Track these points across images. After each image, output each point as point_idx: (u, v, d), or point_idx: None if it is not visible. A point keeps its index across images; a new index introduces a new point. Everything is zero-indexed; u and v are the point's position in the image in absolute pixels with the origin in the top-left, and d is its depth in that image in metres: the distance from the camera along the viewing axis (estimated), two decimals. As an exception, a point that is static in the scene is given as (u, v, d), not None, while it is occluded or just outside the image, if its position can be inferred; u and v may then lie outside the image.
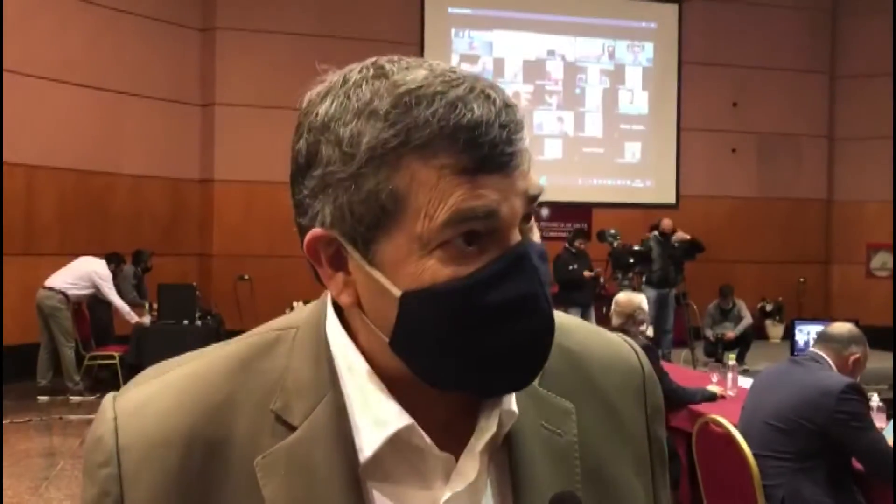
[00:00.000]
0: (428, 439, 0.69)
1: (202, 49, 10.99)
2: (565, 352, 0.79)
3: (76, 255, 8.51)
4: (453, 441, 0.71)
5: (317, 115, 0.68)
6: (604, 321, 8.90)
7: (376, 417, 0.69)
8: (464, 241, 0.64)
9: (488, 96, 0.65)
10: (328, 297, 0.74)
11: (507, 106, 0.66)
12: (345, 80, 0.67)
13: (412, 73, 0.66)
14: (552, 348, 0.73)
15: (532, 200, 0.68)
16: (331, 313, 0.74)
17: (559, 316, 0.83)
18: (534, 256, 0.67)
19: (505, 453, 0.73)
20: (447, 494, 0.70)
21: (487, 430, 0.70)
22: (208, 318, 8.68)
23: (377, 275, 0.67)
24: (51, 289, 7.98)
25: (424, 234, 0.64)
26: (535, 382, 0.75)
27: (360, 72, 0.67)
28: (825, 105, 12.79)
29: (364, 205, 0.65)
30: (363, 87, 0.66)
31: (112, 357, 8.31)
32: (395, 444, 0.69)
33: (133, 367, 7.61)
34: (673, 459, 4.39)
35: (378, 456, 0.69)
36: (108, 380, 8.33)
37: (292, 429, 0.70)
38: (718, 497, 3.49)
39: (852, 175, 12.58)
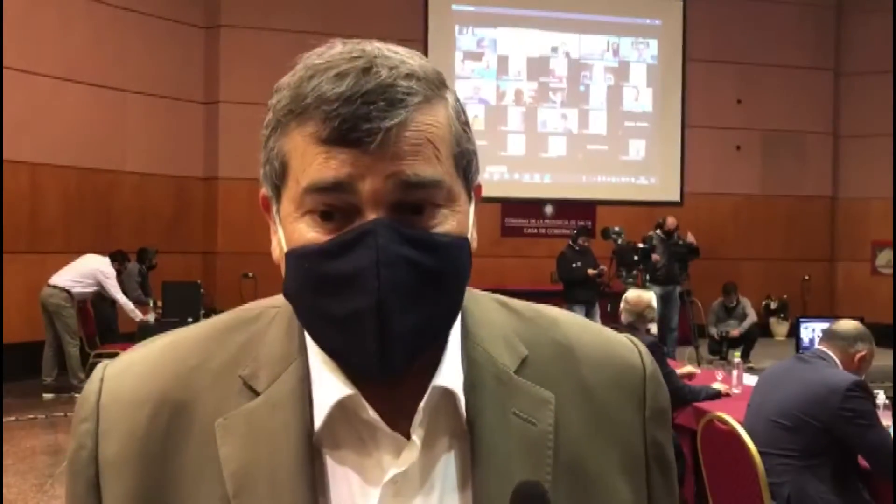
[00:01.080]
0: (372, 412, 0.70)
1: (206, 47, 10.99)
2: (555, 345, 0.78)
3: (81, 252, 8.52)
4: (409, 421, 0.71)
5: (277, 85, 0.73)
6: (608, 318, 8.91)
7: (325, 387, 0.71)
8: (320, 216, 0.68)
9: (375, 73, 0.66)
10: None
11: (391, 85, 0.66)
12: (304, 57, 0.72)
13: (332, 51, 0.70)
14: (542, 341, 0.76)
15: (412, 187, 0.67)
16: None
17: (558, 313, 0.83)
18: (385, 236, 0.66)
19: (467, 439, 0.72)
20: (394, 471, 0.70)
21: (420, 407, 0.70)
22: (212, 315, 8.67)
23: (279, 230, 0.72)
24: (55, 286, 7.99)
25: (295, 197, 0.69)
26: (512, 370, 0.75)
27: (317, 50, 0.72)
28: (830, 102, 12.76)
29: (269, 164, 0.71)
30: (299, 63, 0.71)
31: (116, 355, 8.30)
32: (346, 415, 0.71)
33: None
34: (678, 457, 4.38)
35: (330, 426, 0.71)
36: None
37: (256, 394, 0.72)
38: (724, 495, 3.48)
39: (857, 172, 12.54)
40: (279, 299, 0.77)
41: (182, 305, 8.30)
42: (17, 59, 8.85)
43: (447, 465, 0.72)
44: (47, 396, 7.95)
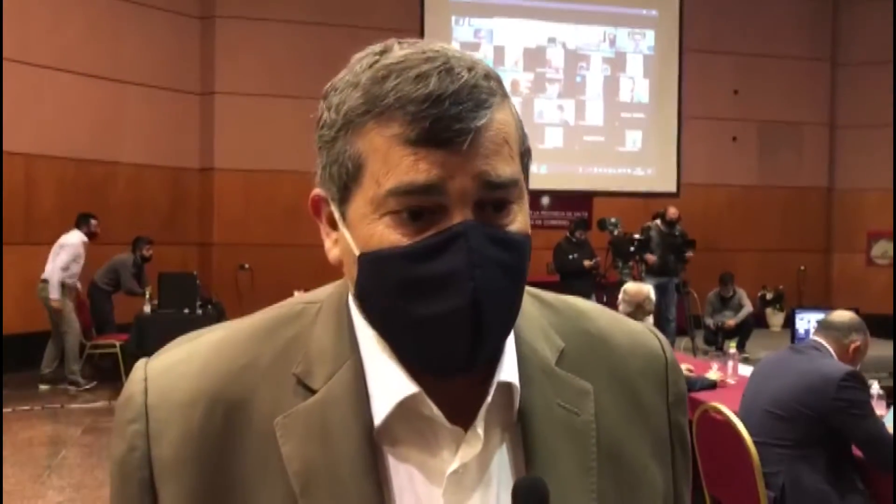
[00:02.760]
0: (435, 409, 0.71)
1: (202, 38, 10.94)
2: (587, 335, 0.81)
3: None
4: (465, 415, 0.72)
5: (332, 83, 0.73)
6: (604, 309, 8.92)
7: (386, 385, 0.72)
8: (409, 216, 0.67)
9: (457, 73, 0.67)
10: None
11: (476, 87, 0.67)
12: (360, 58, 0.72)
13: (405, 50, 0.69)
14: (575, 332, 0.77)
15: (495, 187, 0.68)
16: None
17: (584, 304, 0.87)
18: (475, 237, 0.67)
19: (520, 430, 0.75)
20: (455, 465, 0.71)
21: (487, 402, 0.72)
22: (209, 306, 8.68)
23: (346, 233, 0.72)
24: (44, 280, 7.96)
25: (374, 199, 0.68)
26: (553, 362, 0.77)
27: (374, 50, 0.72)
28: (826, 93, 12.76)
29: (336, 165, 0.70)
30: (363, 62, 0.70)
31: (113, 346, 8.32)
32: (406, 412, 0.71)
33: (134, 356, 7.59)
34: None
35: (389, 423, 0.72)
36: (109, 369, 8.34)
37: (312, 392, 0.73)
38: (719, 484, 3.50)
39: (853, 163, 12.55)
40: (317, 294, 0.80)
41: (178, 296, 8.30)
42: (11, 49, 8.80)
43: (501, 457, 0.74)
44: (43, 388, 7.95)
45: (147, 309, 8.31)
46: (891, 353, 7.43)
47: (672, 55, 12.35)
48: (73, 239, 8.12)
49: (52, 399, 7.56)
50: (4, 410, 6.93)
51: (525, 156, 0.75)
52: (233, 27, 10.77)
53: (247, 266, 10.51)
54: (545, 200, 11.98)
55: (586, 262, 9.22)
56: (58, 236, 8.30)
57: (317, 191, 0.74)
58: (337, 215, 0.73)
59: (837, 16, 12.75)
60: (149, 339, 7.79)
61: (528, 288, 0.84)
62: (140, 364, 0.77)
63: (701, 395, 4.19)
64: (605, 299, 9.32)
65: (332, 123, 0.70)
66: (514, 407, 0.74)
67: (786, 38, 12.43)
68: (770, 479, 3.13)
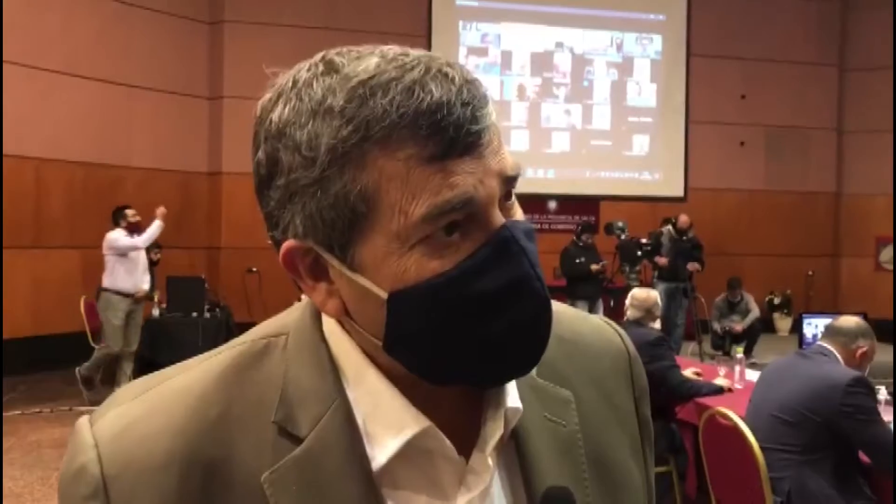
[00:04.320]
0: (446, 441, 0.67)
1: (211, 42, 11.01)
2: (559, 340, 0.76)
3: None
4: (460, 442, 0.68)
5: (271, 122, 0.65)
6: (610, 314, 8.92)
7: (390, 422, 0.66)
8: (444, 232, 0.61)
9: (446, 75, 0.61)
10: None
11: (468, 82, 0.62)
12: (294, 82, 0.64)
13: (363, 62, 0.62)
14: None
15: (510, 180, 0.65)
16: (326, 317, 0.70)
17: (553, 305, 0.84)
18: (520, 237, 0.64)
19: (512, 449, 0.71)
20: (463, 500, 0.67)
21: (496, 429, 0.69)
22: (217, 310, 8.71)
23: (360, 279, 0.63)
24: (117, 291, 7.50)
25: (402, 231, 0.61)
26: (534, 373, 0.73)
27: (309, 70, 0.64)
28: (834, 98, 12.73)
29: (334, 209, 0.62)
30: (314, 85, 0.62)
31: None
32: (405, 450, 0.66)
33: (142, 359, 7.65)
34: (680, 452, 4.40)
35: (389, 464, 0.66)
36: (116, 372, 8.36)
37: (298, 440, 0.65)
38: (725, 489, 3.50)
39: (861, 168, 12.52)
40: (278, 326, 0.72)
41: (186, 300, 8.32)
42: (21, 53, 8.87)
43: (497, 479, 0.71)
44: (53, 390, 7.97)
45: (155, 312, 8.34)
46: (899, 358, 7.39)
47: (679, 60, 12.35)
48: (114, 236, 7.60)
49: (60, 402, 7.59)
50: (12, 413, 6.97)
51: None
52: (242, 32, 10.82)
53: (255, 270, 10.53)
54: (552, 204, 11.99)
55: (593, 267, 9.21)
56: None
57: (291, 244, 0.65)
58: (335, 263, 0.64)
59: (845, 21, 12.73)
60: (157, 342, 7.82)
61: None
62: (84, 427, 0.66)
63: (708, 401, 4.19)
64: (611, 303, 9.33)
65: (306, 164, 0.61)
66: (508, 427, 0.70)
67: (793, 43, 12.42)
68: (776, 484, 3.12)
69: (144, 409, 0.66)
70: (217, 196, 10.93)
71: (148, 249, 8.85)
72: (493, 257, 0.62)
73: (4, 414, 6.81)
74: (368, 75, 0.61)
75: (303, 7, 10.91)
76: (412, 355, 0.65)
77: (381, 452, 0.66)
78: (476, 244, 0.62)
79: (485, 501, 0.69)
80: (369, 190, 0.60)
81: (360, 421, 0.67)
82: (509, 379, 0.69)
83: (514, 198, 0.67)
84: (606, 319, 0.87)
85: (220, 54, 10.91)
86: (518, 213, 0.67)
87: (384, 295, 0.63)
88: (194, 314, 8.24)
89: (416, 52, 0.63)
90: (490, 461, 0.68)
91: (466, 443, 0.68)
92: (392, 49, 0.64)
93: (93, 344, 8.23)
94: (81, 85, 9.57)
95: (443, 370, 0.65)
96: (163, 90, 10.46)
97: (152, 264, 8.97)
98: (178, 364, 0.72)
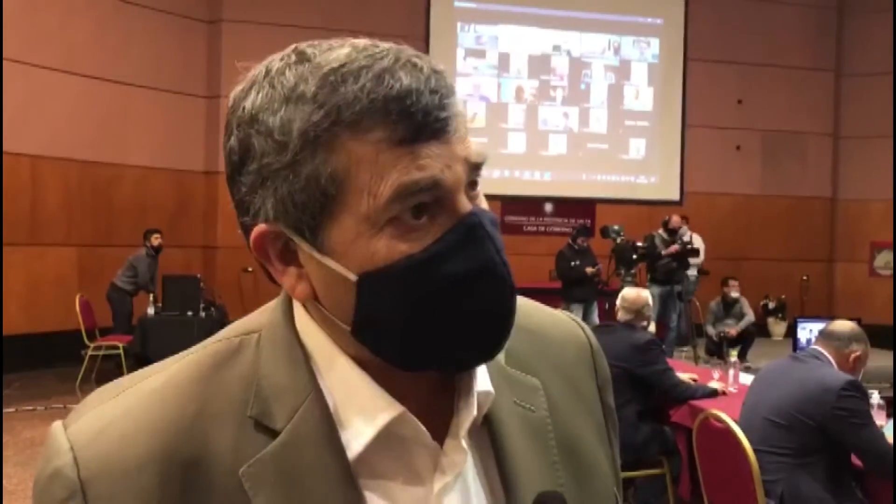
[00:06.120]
0: (420, 426, 0.68)
1: (208, 41, 11.01)
2: (526, 331, 0.79)
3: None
4: (434, 428, 0.69)
5: (244, 109, 0.66)
6: (605, 317, 8.93)
7: (364, 410, 0.67)
8: (412, 214, 0.63)
9: (415, 65, 0.64)
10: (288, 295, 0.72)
11: (436, 72, 0.64)
12: (267, 71, 0.66)
13: (334, 52, 0.64)
14: (515, 329, 0.74)
15: (475, 167, 0.66)
16: (299, 310, 0.71)
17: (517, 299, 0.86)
18: (486, 223, 0.66)
19: (485, 434, 0.73)
20: (439, 484, 0.69)
21: (468, 414, 0.70)
22: (212, 309, 8.70)
23: (329, 262, 0.65)
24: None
25: (371, 213, 0.62)
26: (503, 362, 0.76)
27: (282, 59, 0.66)
28: (830, 103, 12.77)
29: (305, 192, 0.63)
30: (286, 73, 0.64)
31: (116, 347, 8.34)
32: (380, 437, 0.67)
33: (138, 357, 7.65)
34: (674, 454, 4.41)
35: (365, 452, 0.67)
36: (111, 370, 8.36)
37: (274, 434, 0.66)
38: (718, 492, 3.51)
39: (857, 173, 12.56)
40: (251, 323, 0.73)
41: (182, 299, 8.31)
42: (18, 51, 8.86)
43: (471, 463, 0.72)
44: (47, 387, 7.97)
45: (151, 311, 8.34)
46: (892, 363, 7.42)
47: (676, 64, 12.39)
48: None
49: (55, 399, 7.58)
50: (7, 410, 6.96)
51: None
52: (239, 31, 10.82)
53: (250, 269, 10.53)
54: (548, 207, 12.01)
55: (588, 270, 9.22)
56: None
57: (262, 228, 0.66)
58: (305, 246, 0.65)
59: (842, 26, 12.77)
60: (152, 340, 7.81)
61: None
62: (58, 431, 0.66)
63: (702, 403, 4.20)
64: (606, 307, 9.33)
65: (278, 149, 0.63)
66: (480, 412, 0.71)
67: (790, 48, 12.46)
68: (769, 486, 3.14)
69: (120, 410, 0.66)
70: (213, 195, 10.92)
71: (148, 237, 8.91)
72: (460, 241, 0.64)
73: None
74: (340, 63, 0.63)
75: (301, 7, 10.92)
76: (380, 339, 0.66)
77: (356, 441, 0.67)
78: (443, 229, 0.64)
79: (459, 485, 0.70)
80: (340, 173, 0.62)
81: (334, 411, 0.68)
82: (476, 364, 0.70)
83: (479, 187, 0.68)
84: (569, 314, 0.90)
85: (218, 53, 10.90)
86: (483, 202, 0.69)
87: (353, 277, 0.64)
88: (190, 313, 8.24)
89: (385, 45, 0.65)
90: (464, 445, 0.69)
91: (441, 428, 0.70)
92: (362, 41, 0.66)
93: (87, 342, 8.25)
94: (78, 82, 9.57)
95: (410, 354, 0.66)
96: (160, 89, 10.46)
97: (156, 251, 8.98)
98: (153, 365, 0.72)
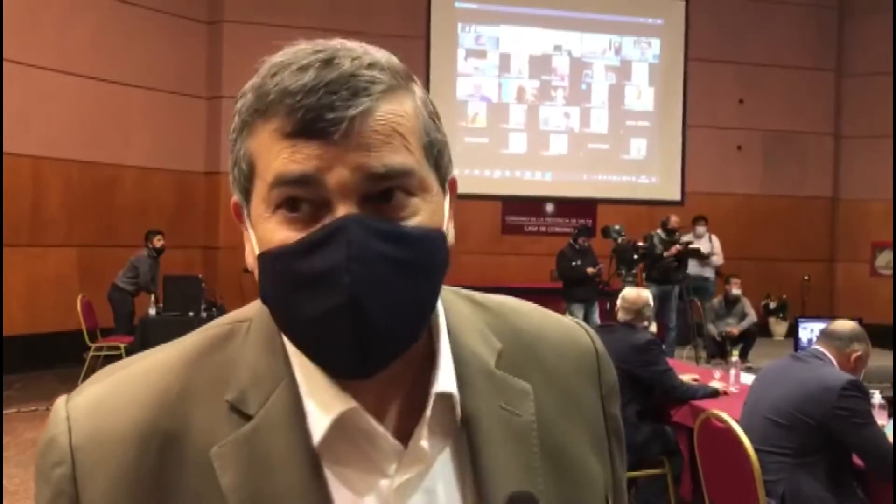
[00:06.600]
0: (374, 423, 0.69)
1: (209, 42, 11.01)
2: (522, 334, 0.80)
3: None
4: (400, 425, 0.71)
5: (242, 90, 0.72)
6: (606, 317, 8.93)
7: (322, 401, 0.69)
8: (287, 206, 0.66)
9: (338, 64, 0.65)
10: None
11: (353, 75, 0.65)
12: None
13: (298, 47, 0.68)
14: (510, 332, 0.75)
15: (380, 178, 0.65)
16: None
17: (516, 302, 0.85)
18: (356, 231, 0.64)
19: (463, 436, 0.73)
20: (399, 480, 0.69)
21: (426, 416, 0.70)
22: (213, 309, 8.70)
23: (251, 233, 0.71)
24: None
25: (265, 196, 0.67)
26: (493, 364, 0.76)
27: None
28: (831, 103, 12.76)
29: (237, 167, 0.70)
30: (267, 63, 0.69)
31: (118, 348, 8.35)
32: (345, 428, 0.69)
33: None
34: (675, 454, 4.41)
35: (329, 441, 0.69)
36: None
37: (248, 418, 0.69)
38: (720, 492, 3.51)
39: (858, 173, 12.56)
40: (247, 312, 0.76)
41: (183, 299, 8.31)
42: (18, 51, 8.87)
43: (445, 466, 0.72)
44: (48, 387, 7.97)
45: (152, 311, 8.34)
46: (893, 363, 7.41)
47: (677, 64, 12.38)
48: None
49: (55, 399, 7.60)
50: (8, 411, 6.97)
51: (432, 147, 0.70)
52: (240, 32, 10.82)
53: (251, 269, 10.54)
54: (549, 207, 12.01)
55: (589, 270, 9.22)
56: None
57: (235, 196, 0.73)
58: (245, 216, 0.72)
59: (843, 26, 12.76)
60: (153, 341, 7.69)
61: (460, 290, 0.82)
62: (60, 403, 0.72)
63: (703, 403, 4.20)
64: (608, 307, 9.33)
65: (234, 128, 0.70)
66: (455, 414, 0.72)
67: (791, 48, 12.45)
68: (770, 486, 3.14)
69: (114, 386, 0.72)
70: (215, 195, 10.92)
71: (150, 238, 8.92)
72: (320, 243, 0.64)
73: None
74: (283, 58, 0.68)
75: (301, 8, 10.92)
76: (275, 319, 0.70)
77: (316, 430, 0.69)
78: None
79: (424, 483, 0.71)
80: (251, 155, 0.68)
81: (304, 398, 0.70)
82: (347, 374, 0.68)
83: (411, 201, 0.67)
84: (577, 320, 0.89)
85: (219, 54, 10.91)
86: (417, 217, 0.67)
87: (257, 252, 0.69)
88: (191, 313, 8.24)
89: (349, 44, 0.68)
90: (424, 445, 0.70)
91: (410, 426, 0.71)
92: (331, 41, 0.69)
93: (89, 342, 8.25)
94: (78, 83, 9.57)
95: (295, 342, 0.69)
96: (161, 89, 10.46)
97: (158, 252, 8.99)
98: (153, 348, 0.77)
